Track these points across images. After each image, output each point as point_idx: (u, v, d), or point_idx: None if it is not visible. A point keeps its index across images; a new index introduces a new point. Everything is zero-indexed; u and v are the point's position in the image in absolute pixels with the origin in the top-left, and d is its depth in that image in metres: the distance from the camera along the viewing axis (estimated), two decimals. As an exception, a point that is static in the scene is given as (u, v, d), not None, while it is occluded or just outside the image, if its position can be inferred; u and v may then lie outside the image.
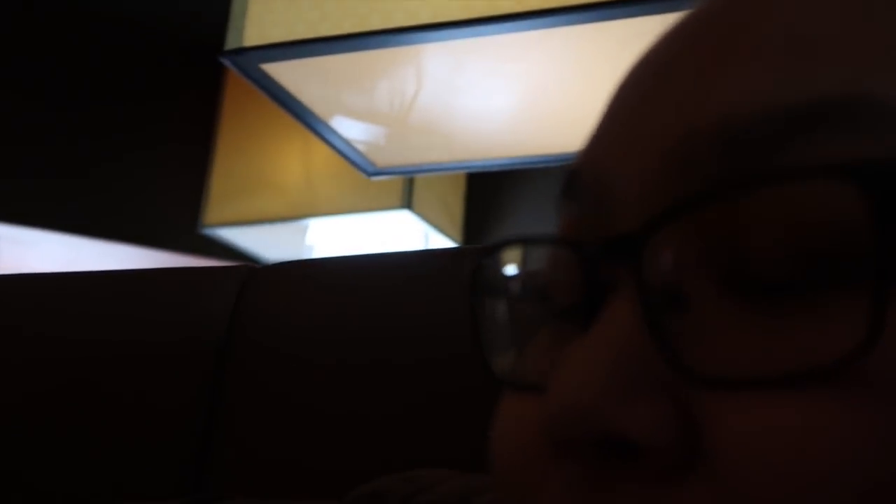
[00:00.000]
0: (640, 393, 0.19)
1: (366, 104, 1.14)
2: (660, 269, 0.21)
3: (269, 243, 2.13)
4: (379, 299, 0.56)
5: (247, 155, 2.03)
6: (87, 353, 0.59)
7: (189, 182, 2.15)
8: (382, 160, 1.28)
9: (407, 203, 1.84)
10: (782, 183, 0.19)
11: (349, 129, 1.19)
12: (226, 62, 0.97)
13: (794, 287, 0.19)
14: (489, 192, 2.07)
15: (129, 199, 2.16)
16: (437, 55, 1.01)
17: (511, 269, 0.27)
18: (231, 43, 0.96)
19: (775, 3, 0.22)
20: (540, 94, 1.08)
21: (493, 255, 0.27)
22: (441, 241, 2.00)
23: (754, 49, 0.21)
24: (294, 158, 2.00)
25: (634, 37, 0.91)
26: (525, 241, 0.26)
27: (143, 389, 0.57)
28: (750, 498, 0.18)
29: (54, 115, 2.11)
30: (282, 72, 1.02)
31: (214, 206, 2.02)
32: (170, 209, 2.19)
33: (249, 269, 0.59)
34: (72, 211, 2.08)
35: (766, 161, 0.20)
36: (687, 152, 0.21)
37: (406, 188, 1.84)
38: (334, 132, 1.18)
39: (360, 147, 1.23)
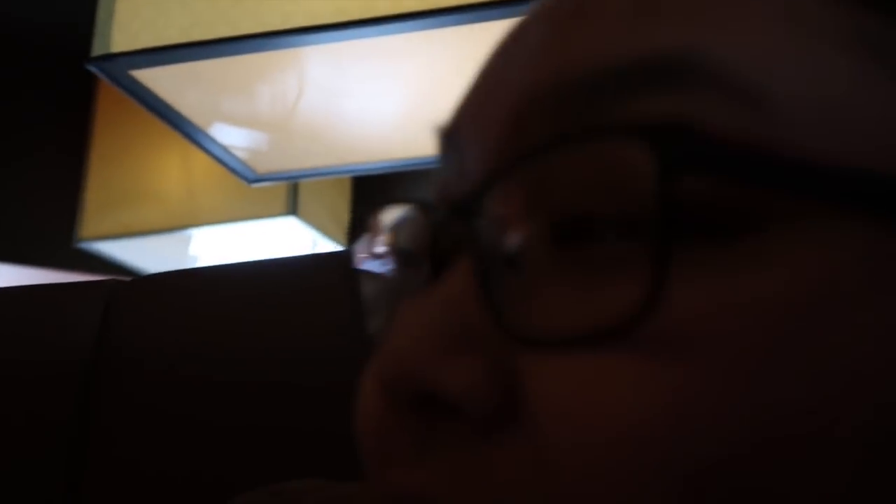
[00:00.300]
0: (461, 351, 0.20)
1: (245, 110, 1.11)
2: (494, 230, 0.21)
3: (151, 256, 2.06)
4: (249, 307, 0.55)
5: (123, 165, 1.96)
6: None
7: (63, 195, 2.06)
8: (265, 166, 1.26)
9: (292, 209, 1.81)
10: (588, 141, 0.19)
11: (228, 136, 1.16)
12: (93, 69, 0.93)
13: (603, 247, 0.20)
14: (376, 196, 2.07)
15: (1, 214, 2.06)
16: (316, 58, 0.99)
17: (381, 240, 0.27)
18: (98, 49, 0.92)
19: None
20: (422, 96, 1.08)
21: (364, 223, 0.27)
22: (329, 247, 1.98)
23: (599, 11, 0.22)
24: (173, 166, 1.94)
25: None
26: (387, 206, 0.27)
27: (9, 412, 0.54)
28: (559, 455, 0.18)
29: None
30: (154, 79, 0.99)
31: (90, 219, 1.94)
32: (43, 223, 2.10)
33: (117, 283, 0.57)
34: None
35: (594, 119, 0.20)
36: (525, 112, 0.22)
37: (291, 194, 1.82)
38: (212, 140, 1.15)
39: (241, 154, 1.21)
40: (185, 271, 0.60)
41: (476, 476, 0.19)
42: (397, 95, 1.09)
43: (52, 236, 2.06)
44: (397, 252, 0.27)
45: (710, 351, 0.18)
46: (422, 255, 0.25)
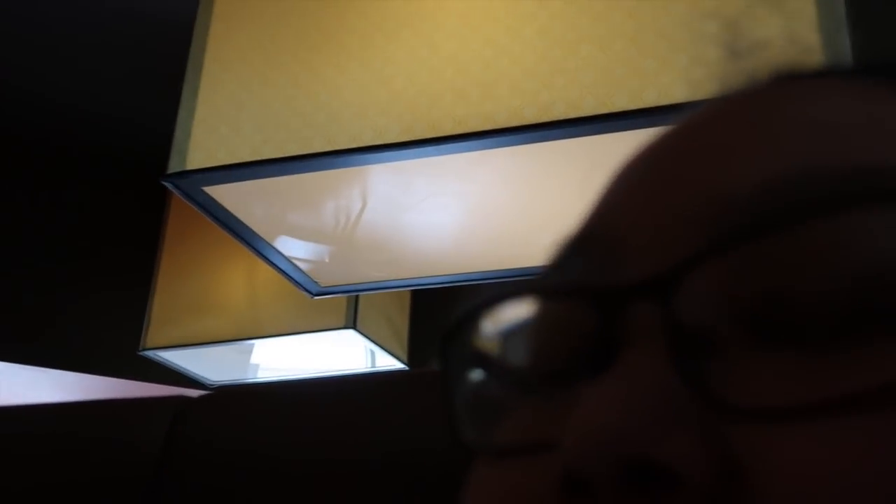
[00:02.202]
0: (674, 424, 0.19)
1: (310, 224, 1.14)
2: (689, 311, 0.21)
3: (213, 365, 2.09)
4: (317, 426, 0.55)
5: (190, 277, 2.01)
6: (15, 489, 0.56)
7: (130, 305, 2.11)
8: (326, 279, 1.28)
9: (352, 322, 1.83)
10: (815, 223, 0.19)
11: (292, 249, 1.19)
12: (168, 185, 0.97)
13: (828, 327, 0.19)
14: (435, 309, 2.07)
15: (65, 323, 2.12)
16: (381, 174, 1.02)
17: (491, 331, 0.25)
18: (174, 166, 0.96)
19: (794, 99, 0.24)
20: (484, 211, 1.10)
21: (473, 314, 0.25)
22: (387, 359, 1.98)
23: (781, 129, 0.22)
24: (238, 279, 1.98)
25: (577, 154, 0.93)
26: (522, 293, 0.25)
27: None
28: None
29: (-8, 238, 2.07)
30: (225, 194, 1.02)
31: (156, 329, 1.98)
32: (109, 333, 2.14)
33: (183, 399, 0.58)
34: (4, 335, 2.02)
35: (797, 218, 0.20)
36: (713, 211, 0.22)
37: (351, 307, 1.84)
38: (278, 253, 1.18)
39: (304, 266, 1.23)
40: (248, 387, 0.60)
41: None
42: (457, 210, 1.11)
43: (117, 345, 2.10)
44: (514, 346, 0.25)
45: None
46: (556, 350, 0.24)
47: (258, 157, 0.93)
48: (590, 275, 0.24)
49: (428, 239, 1.18)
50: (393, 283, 1.28)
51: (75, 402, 0.61)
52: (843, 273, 0.19)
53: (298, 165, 0.93)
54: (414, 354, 2.08)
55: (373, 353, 2.00)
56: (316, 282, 1.27)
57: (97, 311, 2.18)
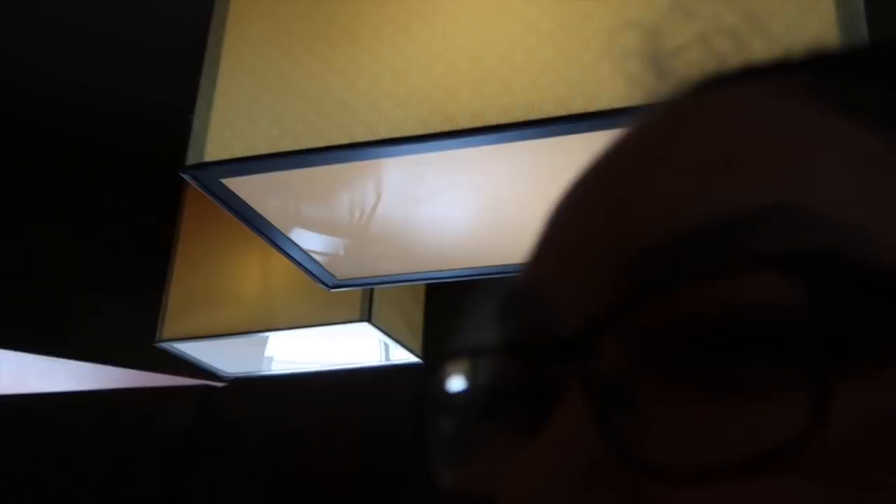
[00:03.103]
0: (595, 489, 0.20)
1: (326, 216, 1.15)
2: (604, 367, 0.21)
3: (228, 356, 2.10)
4: (335, 416, 0.55)
5: (206, 268, 2.03)
6: (39, 475, 0.57)
7: (146, 296, 2.12)
8: (342, 272, 1.28)
9: (366, 315, 1.83)
10: (720, 276, 0.20)
11: (309, 241, 1.19)
12: (186, 177, 0.97)
13: (735, 375, 0.20)
14: (449, 303, 2.08)
15: (81, 313, 2.13)
16: (396, 167, 1.02)
17: (456, 383, 0.27)
18: (192, 158, 0.97)
19: (703, 125, 0.24)
20: (498, 205, 1.10)
21: (436, 369, 0.27)
22: (401, 352, 1.98)
23: (684, 167, 0.23)
24: (253, 271, 1.99)
25: (589, 149, 0.93)
26: (469, 354, 0.26)
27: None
28: None
29: (3, 228, 2.09)
30: (242, 186, 1.03)
31: (172, 321, 1.99)
32: (124, 324, 2.16)
33: (207, 388, 0.58)
34: (22, 326, 2.04)
35: (709, 259, 0.21)
36: (625, 261, 0.22)
37: (365, 300, 1.84)
38: (294, 245, 1.18)
39: (320, 259, 1.24)
40: (269, 378, 0.61)
41: None
42: (472, 204, 1.11)
43: (134, 336, 2.12)
44: (475, 395, 0.26)
45: (865, 471, 0.18)
46: (510, 400, 0.25)
47: (275, 150, 0.94)
48: (522, 331, 0.25)
49: (443, 232, 1.18)
50: (408, 277, 1.29)
51: (98, 390, 0.62)
52: (733, 325, 0.20)
53: (316, 158, 0.93)
54: (428, 348, 2.09)
55: (387, 347, 2.00)
56: (332, 274, 1.27)
57: (114, 303, 2.19)
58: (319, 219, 1.15)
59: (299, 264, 1.22)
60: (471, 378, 0.27)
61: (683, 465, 0.19)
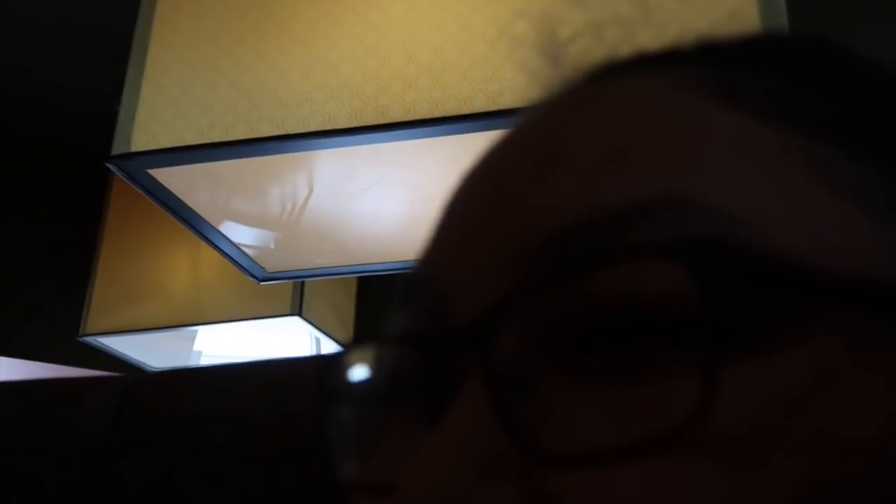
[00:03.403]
0: (492, 478, 0.20)
1: (256, 209, 1.14)
2: (501, 356, 0.21)
3: (155, 351, 2.06)
4: (259, 406, 0.55)
5: (132, 261, 1.99)
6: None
7: (70, 289, 2.07)
8: (273, 265, 1.27)
9: (297, 309, 1.82)
10: (609, 265, 0.20)
11: (239, 234, 1.18)
12: (112, 167, 0.95)
13: (628, 362, 0.20)
14: (380, 297, 2.08)
15: (4, 309, 2.07)
16: (328, 160, 1.02)
17: (358, 373, 0.27)
18: (118, 148, 0.95)
19: (595, 116, 0.25)
20: (430, 199, 1.11)
21: (337, 360, 0.27)
22: (332, 346, 1.98)
23: (578, 158, 0.23)
24: (181, 264, 1.96)
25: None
26: (369, 344, 0.27)
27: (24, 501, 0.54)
28: None
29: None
30: (170, 177, 1.01)
31: (96, 314, 1.95)
32: (48, 318, 2.10)
33: (129, 380, 0.58)
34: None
35: (600, 248, 0.21)
36: (520, 250, 0.23)
37: (296, 293, 1.83)
38: (224, 237, 1.17)
39: (251, 252, 1.23)
40: (196, 370, 0.60)
41: None
42: (403, 198, 1.12)
43: (57, 330, 2.07)
44: (377, 386, 0.26)
45: (756, 450, 0.18)
46: (410, 390, 0.25)
47: (204, 141, 0.93)
48: (421, 320, 0.25)
49: (374, 226, 1.18)
50: (339, 270, 1.29)
51: (22, 380, 0.61)
52: (624, 313, 0.20)
53: (246, 149, 0.93)
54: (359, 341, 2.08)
55: (318, 341, 1.99)
56: (262, 267, 1.26)
57: (39, 297, 2.13)
58: (250, 211, 1.14)
59: (229, 257, 1.21)
60: (372, 367, 0.27)
61: (577, 451, 0.19)
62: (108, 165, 0.95)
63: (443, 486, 0.19)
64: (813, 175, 0.22)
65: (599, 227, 0.21)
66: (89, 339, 1.95)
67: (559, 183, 0.23)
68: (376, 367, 0.26)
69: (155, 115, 0.95)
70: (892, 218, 0.22)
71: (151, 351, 2.06)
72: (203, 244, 1.19)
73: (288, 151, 0.93)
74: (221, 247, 1.18)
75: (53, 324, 2.08)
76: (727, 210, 0.21)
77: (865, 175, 0.23)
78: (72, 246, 2.14)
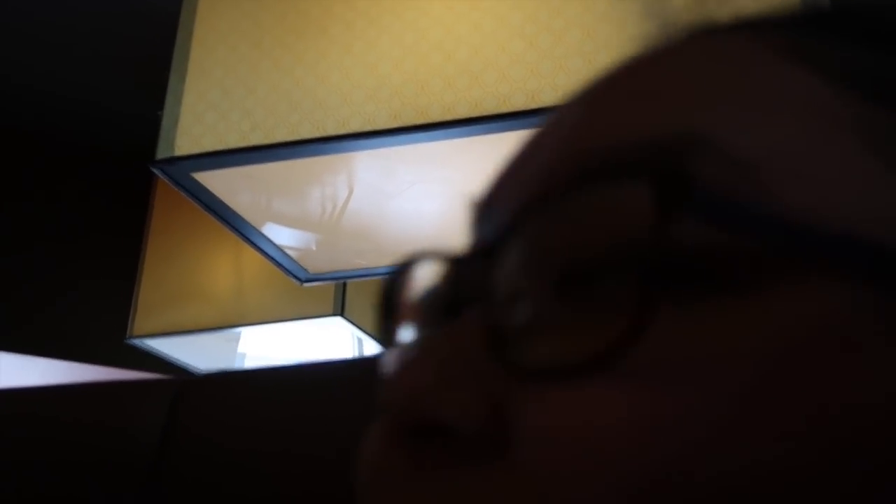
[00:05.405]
0: (460, 384, 0.21)
1: (298, 210, 1.14)
2: (503, 277, 0.22)
3: (199, 353, 2.09)
4: (311, 409, 0.56)
5: (176, 264, 2.01)
6: (12, 473, 0.57)
7: (116, 293, 2.11)
8: (315, 266, 1.28)
9: (339, 310, 1.83)
10: (592, 188, 0.21)
11: (281, 235, 1.19)
12: (156, 171, 0.97)
13: (600, 288, 0.21)
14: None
15: (54, 311, 2.11)
16: (367, 161, 1.03)
17: (412, 290, 0.28)
18: (162, 152, 0.96)
19: (656, 63, 0.26)
20: (467, 198, 1.11)
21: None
22: (374, 346, 1.98)
23: (622, 96, 0.25)
24: (225, 267, 1.98)
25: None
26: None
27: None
28: (540, 482, 0.19)
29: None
30: (213, 180, 1.02)
31: (142, 317, 1.98)
32: (95, 320, 2.14)
33: (182, 382, 0.58)
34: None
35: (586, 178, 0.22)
36: (545, 177, 0.24)
37: (338, 294, 1.84)
38: (266, 239, 1.18)
39: (293, 253, 1.24)
40: (248, 372, 0.61)
41: (463, 500, 0.20)
42: (442, 198, 1.12)
43: (104, 333, 2.10)
44: (427, 301, 0.28)
45: (694, 384, 0.19)
46: (439, 305, 0.26)
47: (246, 144, 0.94)
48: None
49: (415, 226, 1.19)
50: (381, 270, 1.29)
51: (71, 384, 0.62)
52: (605, 234, 0.21)
53: (287, 152, 0.93)
54: (401, 341, 2.08)
55: (360, 341, 2.00)
56: (305, 268, 1.27)
57: (86, 300, 2.17)
58: (291, 213, 1.15)
59: (272, 259, 1.22)
60: (422, 282, 0.28)
61: (535, 365, 0.20)
62: (152, 169, 0.97)
63: (415, 384, 0.21)
64: (861, 141, 0.22)
65: (610, 155, 0.22)
66: (136, 342, 1.98)
67: (600, 118, 0.24)
68: (425, 282, 0.28)
69: (197, 120, 0.97)
70: None
71: (197, 353, 2.09)
72: (244, 246, 1.21)
73: (328, 153, 0.94)
74: (264, 248, 1.19)
75: (104, 327, 2.12)
76: (737, 153, 0.21)
77: None
78: (120, 250, 2.17)
